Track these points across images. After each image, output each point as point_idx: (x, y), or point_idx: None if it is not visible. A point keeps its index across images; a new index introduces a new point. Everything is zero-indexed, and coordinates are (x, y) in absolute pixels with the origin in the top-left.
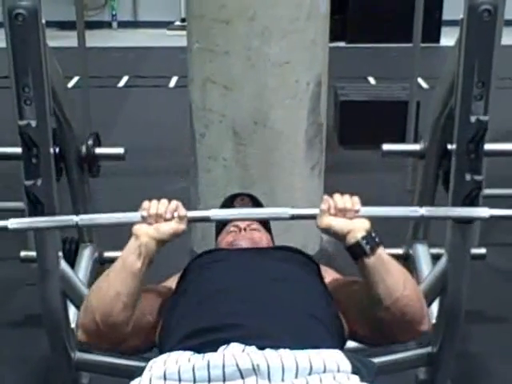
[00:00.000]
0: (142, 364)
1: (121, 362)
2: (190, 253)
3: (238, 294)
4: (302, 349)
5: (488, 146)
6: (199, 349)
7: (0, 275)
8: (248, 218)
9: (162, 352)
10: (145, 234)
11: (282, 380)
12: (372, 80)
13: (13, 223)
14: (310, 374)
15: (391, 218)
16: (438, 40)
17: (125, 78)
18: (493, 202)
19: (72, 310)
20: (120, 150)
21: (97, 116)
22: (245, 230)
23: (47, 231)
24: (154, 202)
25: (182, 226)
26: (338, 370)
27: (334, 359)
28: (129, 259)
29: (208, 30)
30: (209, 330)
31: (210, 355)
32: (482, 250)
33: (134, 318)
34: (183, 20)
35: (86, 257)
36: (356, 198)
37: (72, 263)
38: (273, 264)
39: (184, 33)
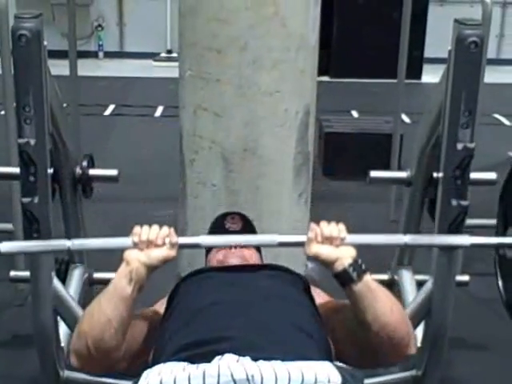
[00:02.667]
0: (129, 383)
1: (109, 381)
2: (176, 278)
3: (229, 309)
4: (294, 361)
5: (472, 175)
6: (193, 360)
7: None
8: (239, 244)
9: (154, 365)
10: (135, 259)
11: None
12: (355, 114)
13: (4, 247)
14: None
15: (376, 245)
16: (419, 77)
17: (111, 107)
18: (472, 232)
19: (62, 329)
20: (113, 172)
21: (84, 143)
22: (235, 247)
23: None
24: (146, 227)
25: (173, 253)
26: (329, 381)
27: (324, 371)
28: (119, 285)
29: (200, 58)
30: (201, 342)
31: (205, 365)
32: (465, 278)
33: (125, 344)
34: (169, 51)
35: (76, 277)
36: (342, 226)
37: (62, 283)
38: (262, 280)
39: (170, 64)
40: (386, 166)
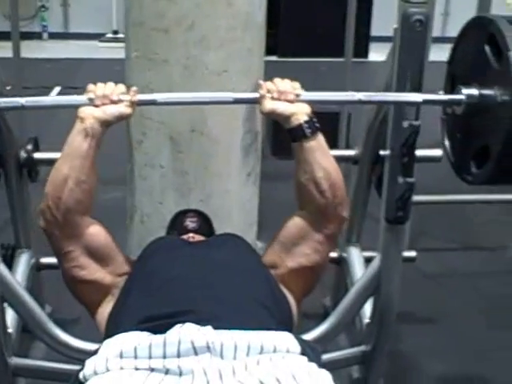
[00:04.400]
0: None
1: (57, 366)
2: None
3: (189, 282)
4: (254, 330)
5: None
6: (154, 331)
7: None
8: (194, 102)
9: (111, 334)
10: (90, 115)
11: (234, 358)
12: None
13: None
14: (260, 353)
15: (330, 102)
16: (366, 55)
17: (56, 89)
18: (420, 208)
19: (10, 315)
20: (59, 155)
21: (29, 126)
22: (193, 236)
23: None
24: (100, 84)
25: (129, 110)
26: (288, 351)
27: (283, 340)
28: (75, 142)
29: (147, 39)
30: (163, 316)
31: (165, 334)
32: (413, 253)
33: (88, 219)
34: (115, 32)
35: (22, 263)
36: (297, 84)
37: (8, 269)
38: (219, 252)
39: (116, 44)
40: (334, 145)
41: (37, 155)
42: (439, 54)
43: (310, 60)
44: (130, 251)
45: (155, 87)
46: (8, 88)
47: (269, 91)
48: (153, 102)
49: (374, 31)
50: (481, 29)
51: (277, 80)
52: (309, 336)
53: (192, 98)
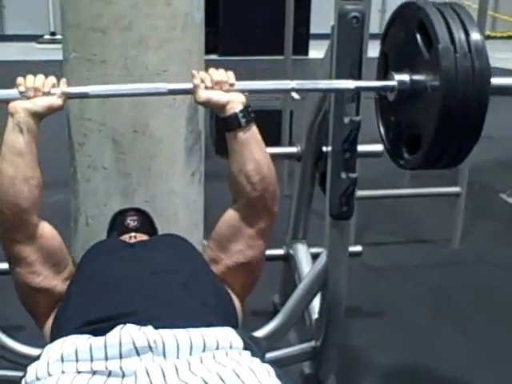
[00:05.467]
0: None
1: (4, 373)
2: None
3: (130, 284)
4: (195, 328)
5: (359, 148)
6: (96, 334)
7: None
8: (128, 94)
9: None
10: (21, 108)
11: (177, 357)
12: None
13: None
14: (203, 350)
15: (265, 91)
16: (306, 53)
17: None
18: (363, 203)
19: None
20: None
21: None
22: (135, 237)
23: None
24: (30, 76)
25: (60, 102)
26: (231, 347)
27: (226, 336)
28: (10, 139)
29: (84, 39)
30: (103, 319)
31: (106, 335)
32: (358, 248)
33: (44, 231)
34: (53, 33)
35: None
36: (231, 73)
37: None
38: (160, 252)
39: (54, 46)
40: (277, 142)
41: None
42: (377, 50)
43: (251, 58)
44: (75, 254)
45: None
46: None
47: (203, 81)
48: (85, 95)
49: (314, 29)
50: (411, 15)
51: (211, 70)
52: (259, 333)
53: (125, 89)
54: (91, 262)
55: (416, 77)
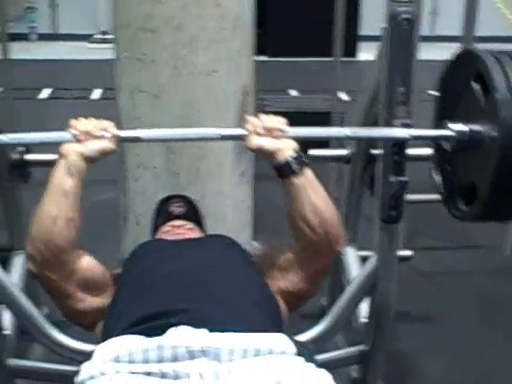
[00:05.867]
0: (76, 369)
1: (56, 367)
2: (120, 261)
3: (181, 281)
4: (248, 332)
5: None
6: (147, 333)
7: None
8: (180, 139)
9: (108, 338)
10: (72, 151)
11: (230, 361)
12: (293, 92)
13: None
14: (257, 355)
15: (317, 138)
16: (355, 54)
17: (46, 90)
18: (414, 207)
19: (7, 317)
20: (51, 157)
21: (20, 127)
22: (179, 227)
23: None
24: (83, 119)
25: (112, 146)
26: (284, 352)
27: (279, 342)
28: (58, 180)
29: (135, 39)
30: (155, 315)
31: (160, 337)
32: (408, 252)
33: (78, 254)
34: (104, 33)
35: (18, 264)
36: (282, 119)
37: (4, 270)
38: (209, 251)
39: (105, 45)
40: (326, 144)
41: (28, 157)
42: (428, 52)
43: (300, 60)
44: (124, 251)
45: (145, 88)
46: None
47: (255, 127)
48: (137, 140)
49: (363, 30)
50: (468, 64)
51: (263, 116)
52: (306, 336)
53: (177, 134)
54: (140, 261)
55: (473, 126)
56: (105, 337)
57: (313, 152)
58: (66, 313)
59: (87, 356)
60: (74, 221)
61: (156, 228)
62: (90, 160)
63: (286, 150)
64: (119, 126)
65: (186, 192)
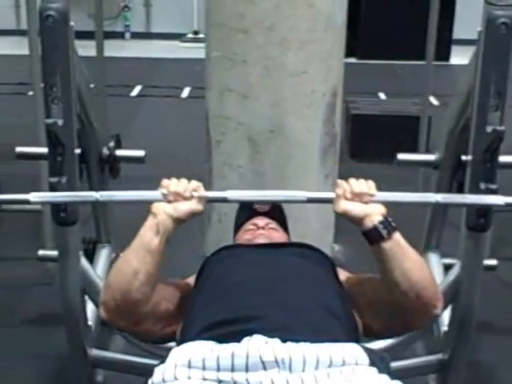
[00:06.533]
0: (155, 362)
1: (136, 360)
2: (203, 258)
3: (257, 287)
4: (321, 342)
5: (502, 158)
6: (221, 339)
7: (16, 274)
8: (265, 201)
9: (182, 342)
10: (162, 211)
11: (303, 371)
12: (382, 95)
13: (34, 197)
14: (329, 366)
15: (406, 203)
16: (448, 58)
17: (138, 88)
18: (502, 215)
19: (90, 308)
20: (141, 153)
21: (111, 123)
22: (263, 228)
23: (69, 229)
24: (174, 180)
25: (200, 207)
26: (357, 363)
27: (352, 352)
28: (146, 237)
29: (227, 39)
30: (230, 321)
31: (233, 345)
32: (493, 262)
33: (153, 300)
34: (196, 32)
35: (103, 257)
36: (371, 183)
37: (89, 263)
38: (290, 259)
39: (196, 45)
40: (413, 149)
41: (119, 152)
42: None
43: (389, 62)
44: (207, 250)
45: (234, 87)
46: (92, 86)
47: (344, 191)
48: (224, 200)
49: (457, 34)
50: None
51: (352, 180)
52: (383, 343)
53: (265, 195)
54: (219, 266)
55: None
56: (181, 338)
57: (401, 156)
58: (142, 340)
59: (164, 351)
60: (155, 276)
61: (239, 225)
62: (178, 221)
63: (374, 215)
64: (206, 125)
65: None
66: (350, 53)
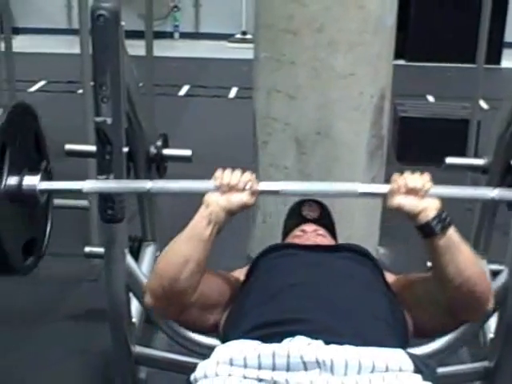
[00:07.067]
0: (198, 361)
1: (178, 357)
2: (247, 259)
3: (306, 290)
4: (366, 346)
5: None
6: (265, 339)
7: (63, 270)
8: (320, 194)
9: (226, 340)
10: (215, 203)
11: (345, 375)
12: (431, 98)
13: (87, 186)
14: (372, 371)
15: (461, 198)
16: (499, 62)
17: (185, 88)
18: None
19: (134, 305)
20: (187, 152)
21: (158, 123)
22: (311, 232)
23: (116, 226)
24: (228, 171)
25: (252, 200)
26: (400, 370)
27: (396, 358)
28: (198, 227)
29: (276, 40)
30: (275, 323)
31: (275, 345)
32: None
33: (200, 290)
34: (244, 33)
35: (148, 255)
36: (427, 177)
37: (135, 260)
38: (341, 261)
39: (244, 45)
40: (461, 153)
41: (166, 151)
42: None
43: (438, 65)
44: (251, 250)
45: (282, 88)
46: (140, 85)
47: (398, 186)
48: (276, 193)
49: (508, 37)
50: None
51: (407, 174)
52: (428, 348)
53: (318, 189)
54: (269, 265)
55: None
56: (226, 333)
57: (449, 160)
58: (185, 327)
59: (207, 349)
60: (203, 267)
61: (287, 231)
62: (230, 213)
63: (429, 210)
64: (253, 125)
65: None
66: (398, 55)
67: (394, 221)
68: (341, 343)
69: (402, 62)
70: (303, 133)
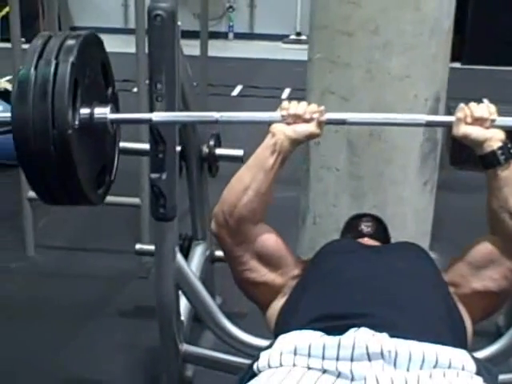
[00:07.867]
0: (244, 361)
1: (225, 357)
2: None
3: (368, 285)
4: (429, 342)
5: None
6: (329, 331)
7: (114, 267)
8: (385, 123)
9: (284, 326)
10: (281, 132)
11: (408, 369)
12: (487, 102)
13: (157, 116)
14: (435, 367)
15: None
16: None
17: (238, 88)
18: None
19: (183, 303)
20: (239, 152)
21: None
22: (368, 237)
23: (167, 224)
24: (294, 102)
25: (318, 130)
26: (463, 369)
27: (460, 357)
28: (262, 155)
29: (331, 41)
30: (340, 316)
31: (340, 336)
32: None
33: (261, 235)
34: (298, 34)
35: (198, 254)
36: (493, 108)
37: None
38: (400, 258)
39: (298, 46)
40: None
41: (218, 151)
42: None
43: (496, 68)
44: (301, 251)
45: (335, 90)
46: (194, 84)
47: (465, 115)
48: (342, 122)
49: None
50: None
51: (472, 104)
52: (479, 355)
53: (383, 118)
54: (328, 258)
55: None
56: (280, 324)
57: None
58: (238, 280)
59: (254, 349)
60: (265, 196)
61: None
62: (295, 142)
63: (494, 140)
64: None
65: (367, 196)
66: (455, 57)
67: (445, 226)
68: (405, 338)
69: (458, 64)
70: (355, 135)
